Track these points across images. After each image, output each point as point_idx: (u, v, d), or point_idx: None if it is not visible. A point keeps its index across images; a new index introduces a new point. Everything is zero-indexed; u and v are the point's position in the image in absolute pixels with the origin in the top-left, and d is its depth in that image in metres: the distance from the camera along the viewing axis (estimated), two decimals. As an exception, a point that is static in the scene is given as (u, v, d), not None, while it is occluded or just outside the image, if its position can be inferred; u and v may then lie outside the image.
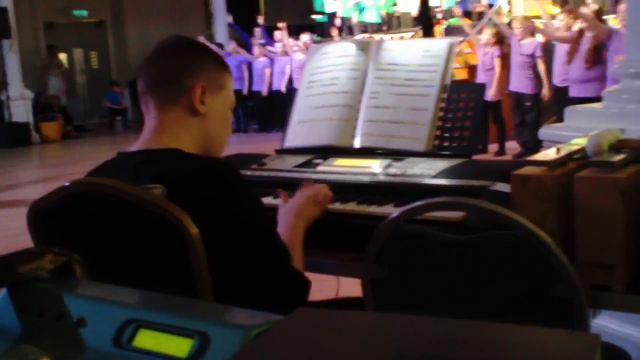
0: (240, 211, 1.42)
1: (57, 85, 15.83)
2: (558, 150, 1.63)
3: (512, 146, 8.74)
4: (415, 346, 0.61)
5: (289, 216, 1.67)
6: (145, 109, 1.55)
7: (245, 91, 13.55)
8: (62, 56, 17.01)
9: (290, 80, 12.31)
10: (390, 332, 0.65)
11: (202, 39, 13.77)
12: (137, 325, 0.72)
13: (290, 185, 1.85)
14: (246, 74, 13.53)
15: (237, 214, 1.41)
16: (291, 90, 11.68)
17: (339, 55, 2.27)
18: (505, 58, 8.49)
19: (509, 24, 8.95)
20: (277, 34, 13.04)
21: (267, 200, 1.85)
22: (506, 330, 0.62)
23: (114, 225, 1.42)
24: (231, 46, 13.75)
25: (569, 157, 1.59)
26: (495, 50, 8.49)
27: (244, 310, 0.73)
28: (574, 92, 7.41)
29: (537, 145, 6.89)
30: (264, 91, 13.08)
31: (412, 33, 12.07)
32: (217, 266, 1.34)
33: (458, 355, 0.57)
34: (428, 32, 11.78)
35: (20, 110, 13.81)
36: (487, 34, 8.68)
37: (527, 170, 1.49)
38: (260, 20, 14.27)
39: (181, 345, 0.68)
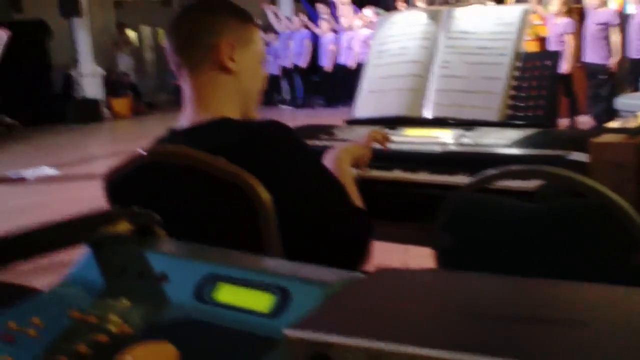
0: (299, 165, 1.44)
1: (127, 62, 16.13)
2: (637, 117, 1.58)
3: (583, 120, 8.52)
4: (500, 305, 0.60)
5: (333, 151, 1.70)
6: (179, 75, 1.57)
7: (304, 65, 13.53)
8: (131, 34, 17.30)
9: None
10: (472, 291, 0.65)
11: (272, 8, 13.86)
12: (218, 280, 0.74)
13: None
14: (309, 49, 13.50)
15: (298, 169, 1.43)
16: (358, 65, 11.61)
17: (408, 24, 2.24)
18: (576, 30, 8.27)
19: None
20: (342, 8, 12.95)
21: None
22: (595, 289, 0.61)
23: (185, 192, 1.45)
24: (297, 20, 13.73)
25: (650, 125, 1.54)
26: (568, 25, 8.25)
27: (323, 268, 0.73)
28: (647, 64, 7.16)
29: (610, 119, 6.69)
30: (328, 67, 13.04)
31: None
32: (286, 223, 1.36)
33: (545, 314, 0.56)
34: (499, 2, 11.49)
35: (92, 87, 14.15)
36: (555, 4, 8.44)
37: (606, 137, 1.45)
38: None
39: (262, 301, 0.69)
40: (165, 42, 1.58)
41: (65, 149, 10.66)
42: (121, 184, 1.52)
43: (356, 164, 1.74)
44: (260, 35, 1.63)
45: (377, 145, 1.81)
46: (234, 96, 1.55)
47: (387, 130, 2.03)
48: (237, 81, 1.55)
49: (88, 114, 13.78)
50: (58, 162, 8.98)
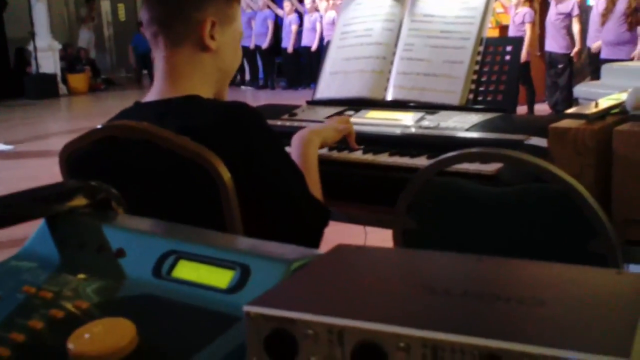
0: (264, 151, 1.42)
1: (87, 37, 15.81)
2: (596, 104, 1.60)
3: (541, 108, 8.65)
4: (461, 282, 0.60)
5: (303, 132, 1.67)
6: (154, 43, 1.50)
7: (266, 46, 13.46)
8: (89, 8, 16.97)
9: (321, 37, 12.20)
10: (432, 268, 0.65)
11: None
12: (177, 256, 0.72)
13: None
14: (271, 29, 13.42)
15: (262, 154, 1.41)
16: (321, 47, 11.58)
17: (373, 6, 2.23)
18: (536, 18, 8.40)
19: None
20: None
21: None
22: (555, 268, 0.62)
23: (145, 169, 1.43)
24: (260, 0, 13.63)
25: (608, 111, 1.56)
26: (527, 14, 8.37)
27: (284, 245, 0.72)
28: (605, 54, 7.31)
29: (568, 107, 6.80)
30: (290, 48, 12.99)
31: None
32: (246, 206, 1.35)
33: (505, 291, 0.56)
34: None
35: (48, 62, 13.85)
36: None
37: (565, 123, 1.46)
38: None
39: (221, 277, 0.68)
40: (140, 11, 1.52)
41: (20, 125, 10.45)
42: (79, 158, 1.49)
43: (324, 146, 1.73)
44: (240, 12, 1.57)
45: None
46: (210, 75, 1.51)
47: (348, 113, 2.02)
48: (215, 60, 1.50)
49: (44, 89, 13.48)
50: (12, 138, 8.80)
